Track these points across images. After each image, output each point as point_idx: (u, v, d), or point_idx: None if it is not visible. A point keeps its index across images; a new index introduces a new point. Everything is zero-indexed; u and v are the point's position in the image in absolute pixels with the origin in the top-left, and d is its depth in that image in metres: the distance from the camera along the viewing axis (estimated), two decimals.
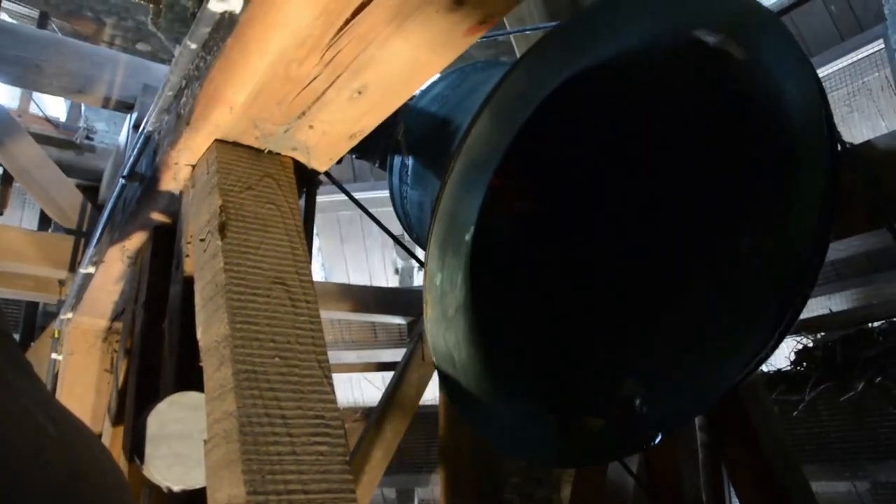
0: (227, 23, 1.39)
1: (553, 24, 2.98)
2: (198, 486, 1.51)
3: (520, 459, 2.33)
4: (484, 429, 2.00)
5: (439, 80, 2.50)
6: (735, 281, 1.96)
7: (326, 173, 1.88)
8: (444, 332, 1.88)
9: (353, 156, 2.53)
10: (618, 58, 1.68)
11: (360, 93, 1.52)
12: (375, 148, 2.54)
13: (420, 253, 2.30)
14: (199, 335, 1.48)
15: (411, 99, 2.43)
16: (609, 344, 2.18)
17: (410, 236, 2.71)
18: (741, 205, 1.95)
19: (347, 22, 1.31)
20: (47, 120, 5.51)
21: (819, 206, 1.76)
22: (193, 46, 1.51)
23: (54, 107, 6.16)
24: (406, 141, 2.48)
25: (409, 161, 2.44)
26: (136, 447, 1.57)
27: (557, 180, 2.41)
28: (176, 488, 1.53)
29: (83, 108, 6.02)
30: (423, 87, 2.47)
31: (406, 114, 2.47)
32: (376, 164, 2.65)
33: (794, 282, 1.86)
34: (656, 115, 2.05)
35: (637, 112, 2.10)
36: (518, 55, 5.04)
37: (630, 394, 1.94)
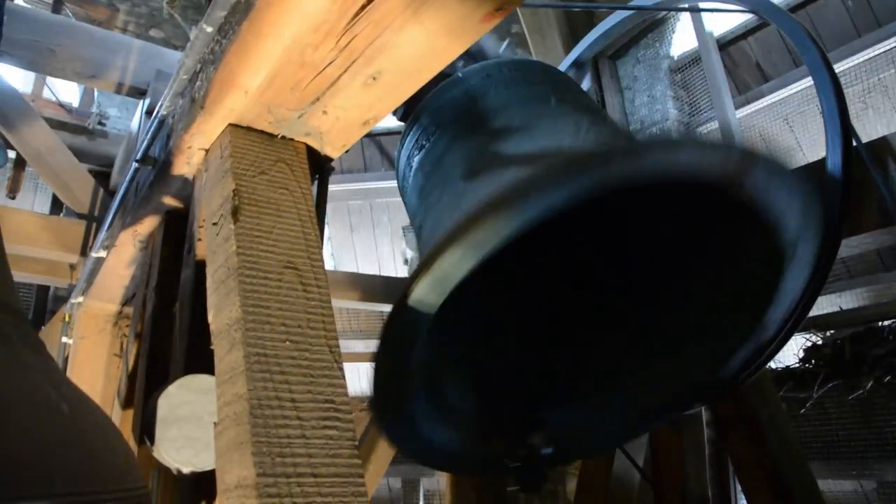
0: (243, 6, 1.39)
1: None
2: (207, 469, 1.52)
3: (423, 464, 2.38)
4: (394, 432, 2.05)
5: (465, 77, 2.47)
6: (737, 288, 2.01)
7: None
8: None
9: None
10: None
11: (374, 79, 1.51)
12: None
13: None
14: (210, 318, 1.48)
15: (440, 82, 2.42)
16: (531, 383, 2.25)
17: (410, 221, 2.71)
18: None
19: (363, 7, 1.31)
20: (60, 105, 5.52)
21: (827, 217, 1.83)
22: (209, 30, 1.51)
23: (67, 92, 6.18)
24: (420, 130, 2.47)
25: (418, 152, 2.43)
26: (146, 429, 1.58)
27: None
28: (185, 470, 1.53)
29: (96, 93, 6.03)
30: (449, 80, 2.45)
31: (426, 101, 2.45)
32: (397, 115, 2.63)
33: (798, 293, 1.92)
34: (648, 236, 2.10)
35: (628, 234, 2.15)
36: (531, 47, 5.02)
37: (536, 443, 2.04)
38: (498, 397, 2.20)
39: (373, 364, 1.70)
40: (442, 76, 2.32)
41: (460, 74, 2.46)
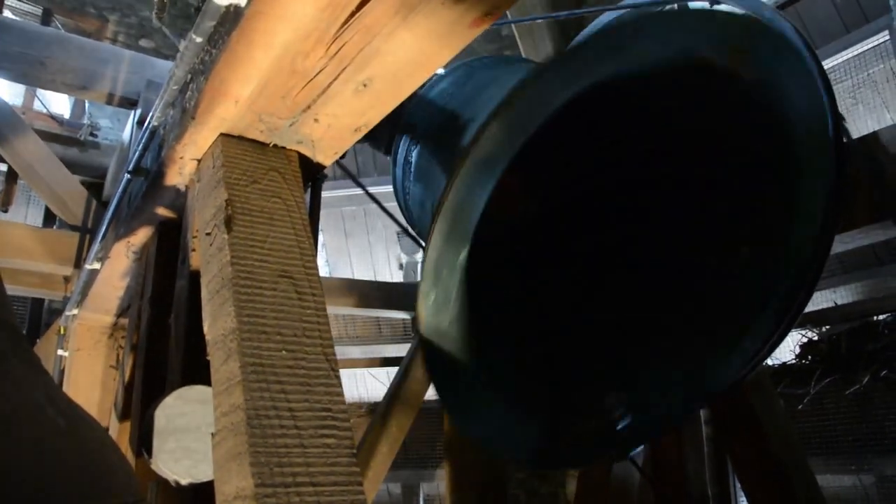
0: (232, 16, 1.39)
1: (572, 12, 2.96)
2: (205, 480, 1.52)
3: (506, 459, 2.37)
4: (472, 428, 2.03)
5: (446, 74, 2.50)
6: (732, 287, 1.98)
7: (340, 164, 1.89)
8: (439, 342, 1.91)
9: (361, 142, 2.55)
10: (624, 77, 1.66)
11: (365, 85, 1.51)
12: (382, 135, 2.54)
13: None
14: (205, 329, 1.48)
15: (419, 90, 2.43)
16: (599, 353, 2.22)
17: (413, 230, 2.72)
18: (744, 215, 1.96)
19: (353, 14, 1.31)
20: (51, 117, 5.51)
21: (822, 211, 1.77)
22: (199, 40, 1.51)
23: (58, 104, 6.16)
24: (411, 134, 2.48)
25: (413, 156, 2.43)
26: (143, 441, 1.57)
27: (560, 186, 2.42)
28: (184, 481, 1.53)
29: (87, 104, 6.02)
30: (430, 80, 2.46)
31: (412, 106, 2.46)
32: (382, 151, 2.64)
33: (792, 290, 1.89)
34: (660, 128, 2.06)
35: (641, 126, 2.11)
36: (522, 50, 5.03)
37: (612, 406, 2.00)
38: (563, 371, 2.18)
39: (422, 342, 1.69)
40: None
41: (441, 71, 2.49)
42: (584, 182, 2.39)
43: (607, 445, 2.06)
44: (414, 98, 2.46)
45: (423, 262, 1.78)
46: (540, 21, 4.76)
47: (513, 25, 5.36)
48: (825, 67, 2.79)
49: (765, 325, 2.05)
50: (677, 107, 1.87)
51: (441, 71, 2.51)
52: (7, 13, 6.22)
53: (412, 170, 2.45)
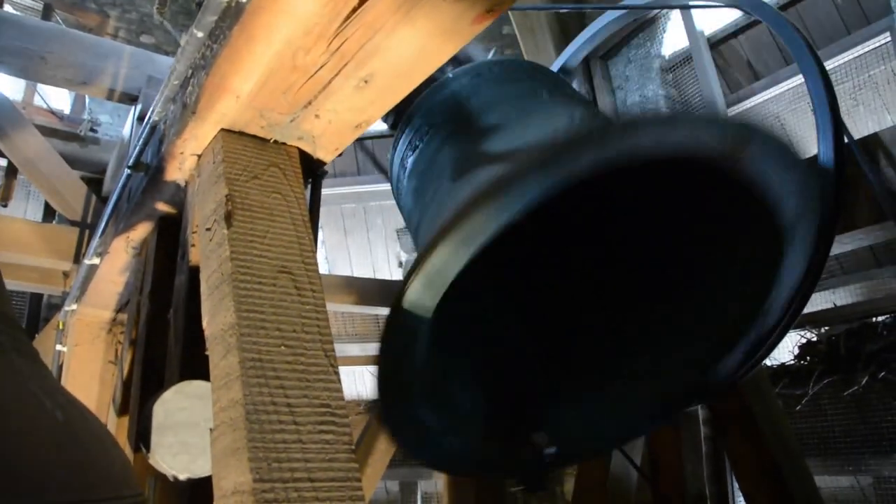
0: (233, 11, 1.39)
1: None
2: (203, 475, 1.52)
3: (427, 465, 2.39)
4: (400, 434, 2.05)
5: (454, 78, 2.47)
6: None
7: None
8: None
9: None
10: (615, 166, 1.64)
11: (366, 82, 1.51)
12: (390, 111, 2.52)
13: None
14: (204, 324, 1.48)
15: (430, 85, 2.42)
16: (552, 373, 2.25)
17: (406, 223, 2.71)
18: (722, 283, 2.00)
19: (355, 10, 1.31)
20: (51, 112, 5.51)
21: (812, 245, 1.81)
22: (200, 35, 1.51)
23: (58, 99, 6.16)
24: (411, 136, 2.47)
25: (409, 162, 2.42)
26: (142, 436, 1.57)
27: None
28: (182, 476, 1.53)
29: (87, 100, 6.02)
30: (438, 81, 2.44)
31: (415, 105, 2.45)
32: (388, 122, 2.62)
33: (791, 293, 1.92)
34: (649, 214, 2.08)
35: (630, 212, 2.13)
36: (523, 48, 5.02)
37: (539, 443, 2.05)
38: (501, 397, 2.20)
39: (375, 368, 1.69)
40: (430, 80, 2.33)
41: (450, 75, 2.46)
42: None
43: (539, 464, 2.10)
44: (419, 96, 2.45)
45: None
46: (541, 20, 4.75)
47: (514, 26, 5.36)
48: (826, 68, 2.80)
49: (770, 314, 2.05)
50: (668, 190, 1.88)
51: (450, 74, 2.49)
52: (7, 8, 6.21)
53: (410, 164, 2.44)
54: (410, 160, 2.40)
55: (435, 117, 2.37)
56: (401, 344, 1.66)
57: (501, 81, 2.41)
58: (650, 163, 1.46)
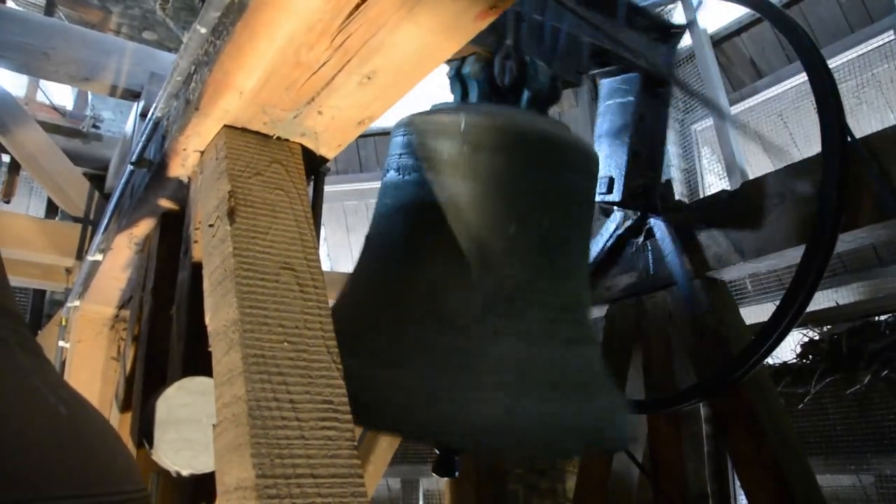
0: (236, 7, 1.39)
1: None
2: (206, 471, 1.52)
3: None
4: None
5: (475, 113, 2.35)
6: None
7: None
8: None
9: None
10: None
11: (369, 78, 1.51)
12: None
13: None
14: (207, 320, 1.48)
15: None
16: None
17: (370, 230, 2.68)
18: None
19: (358, 6, 1.31)
20: (54, 108, 5.51)
21: None
22: (203, 31, 1.51)
23: (61, 95, 6.16)
24: (410, 149, 2.38)
25: (396, 173, 2.36)
26: (144, 432, 1.58)
27: None
28: (185, 473, 1.53)
29: (90, 96, 6.02)
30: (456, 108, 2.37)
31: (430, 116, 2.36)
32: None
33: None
34: None
35: None
36: None
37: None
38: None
39: None
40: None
41: (462, 126, 2.22)
42: None
43: None
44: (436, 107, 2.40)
45: None
46: None
47: None
48: (830, 66, 2.79)
49: None
50: None
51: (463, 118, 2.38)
52: (10, 3, 6.22)
53: (385, 189, 2.40)
54: (391, 177, 2.32)
55: (427, 156, 2.23)
56: None
57: (506, 170, 2.20)
58: None
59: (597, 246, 3.61)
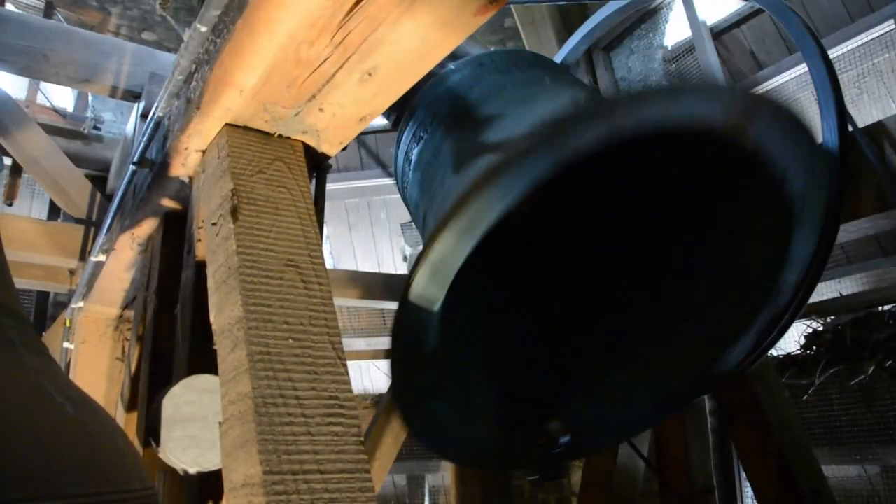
0: (236, 5, 1.39)
1: None
2: (213, 468, 1.52)
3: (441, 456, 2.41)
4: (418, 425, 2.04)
5: (455, 70, 2.47)
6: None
7: None
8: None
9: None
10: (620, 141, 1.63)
11: (370, 74, 1.51)
12: (392, 107, 2.52)
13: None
14: (212, 318, 1.48)
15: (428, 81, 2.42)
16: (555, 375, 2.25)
17: (412, 217, 2.71)
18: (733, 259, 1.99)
19: (357, 3, 1.31)
20: (55, 110, 5.52)
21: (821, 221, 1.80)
22: (203, 29, 1.51)
23: (61, 97, 6.17)
24: (414, 129, 2.46)
25: (416, 145, 2.42)
26: (151, 430, 1.58)
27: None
28: (191, 470, 1.54)
29: (90, 97, 6.02)
30: (440, 74, 2.44)
31: (418, 98, 2.44)
32: (390, 120, 2.61)
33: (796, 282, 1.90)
34: (658, 184, 2.06)
35: (638, 183, 2.11)
36: (525, 40, 5.01)
37: (553, 431, 2.04)
38: (514, 387, 2.20)
39: (388, 361, 1.68)
40: (430, 75, 2.33)
41: (452, 66, 2.45)
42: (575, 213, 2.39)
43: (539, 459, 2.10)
44: (421, 89, 2.45)
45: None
46: (543, 12, 4.74)
47: (516, 18, 5.35)
48: (830, 57, 2.79)
49: (781, 295, 2.05)
50: (674, 166, 1.87)
51: (452, 66, 2.49)
52: (9, 6, 6.22)
53: (414, 157, 2.44)
54: (415, 152, 2.40)
55: (439, 108, 2.37)
56: (411, 336, 1.65)
57: (503, 70, 2.40)
58: (657, 136, 1.43)
59: None
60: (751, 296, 2.00)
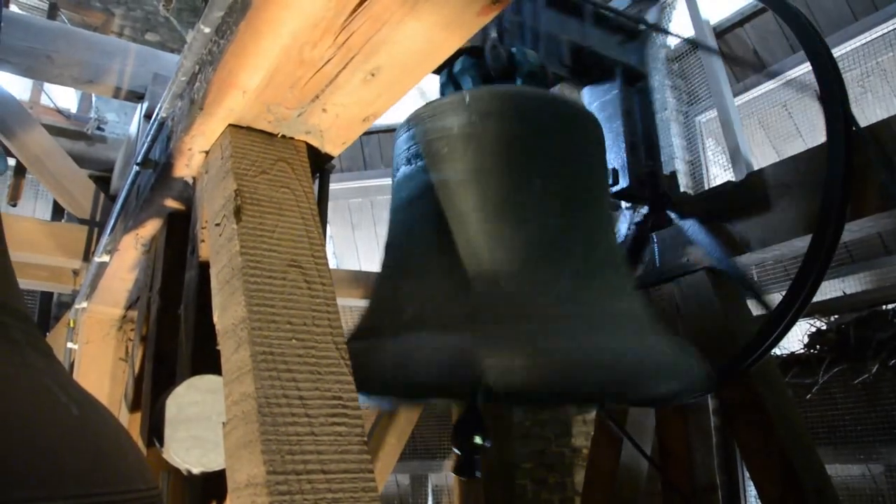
0: (240, 6, 1.39)
1: None
2: (216, 468, 1.53)
3: None
4: None
5: (478, 96, 2.40)
6: None
7: None
8: None
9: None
10: None
11: (373, 75, 1.51)
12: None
13: None
14: (215, 318, 1.49)
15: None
16: None
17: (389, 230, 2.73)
18: None
19: (361, 3, 1.31)
20: (58, 111, 5.52)
21: None
22: (206, 30, 1.51)
23: (65, 98, 6.18)
24: (415, 140, 2.42)
25: (406, 165, 2.39)
26: (154, 431, 1.59)
27: None
28: (195, 470, 1.54)
29: (94, 98, 6.03)
30: (460, 93, 2.42)
31: (439, 107, 2.40)
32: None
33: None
34: None
35: None
36: None
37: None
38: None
39: None
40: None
41: (467, 99, 2.31)
42: None
43: None
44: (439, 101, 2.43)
45: None
46: None
47: None
48: (834, 55, 2.78)
49: None
50: None
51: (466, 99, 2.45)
52: (13, 7, 6.23)
53: (397, 183, 2.45)
54: (403, 170, 2.37)
55: (438, 137, 2.28)
56: None
57: (518, 130, 2.27)
58: None
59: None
60: None
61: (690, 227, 3.17)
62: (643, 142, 3.30)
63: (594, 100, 3.35)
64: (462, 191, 2.17)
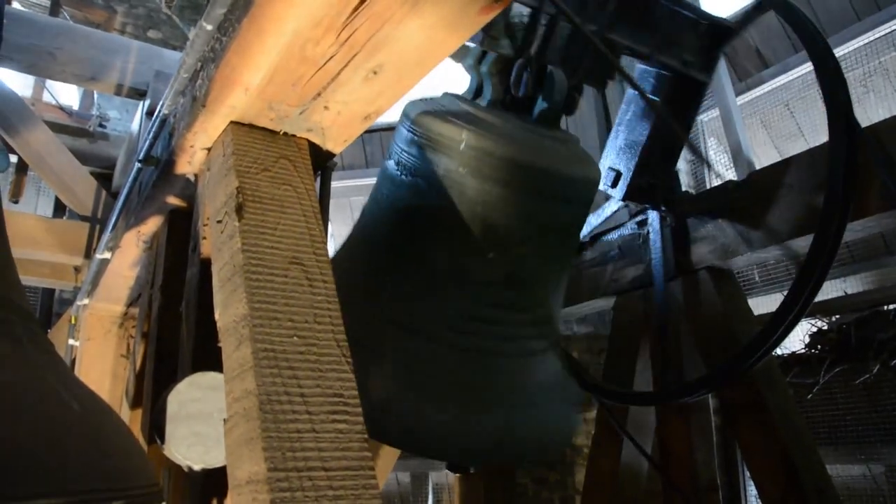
0: (242, 3, 1.40)
1: None
2: (217, 465, 1.53)
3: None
4: None
5: (480, 120, 2.36)
6: None
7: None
8: None
9: None
10: None
11: (375, 73, 1.51)
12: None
13: None
14: (217, 316, 1.49)
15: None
16: None
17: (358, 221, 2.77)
18: None
19: (363, 1, 1.31)
20: (60, 108, 5.52)
21: None
22: (209, 28, 1.51)
23: (67, 95, 6.18)
24: (408, 152, 2.40)
25: (391, 179, 2.40)
26: (156, 427, 1.59)
27: None
28: (196, 467, 1.54)
29: (96, 95, 6.03)
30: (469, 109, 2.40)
31: (437, 111, 2.38)
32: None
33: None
34: None
35: None
36: None
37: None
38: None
39: None
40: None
41: (462, 146, 2.25)
42: None
43: None
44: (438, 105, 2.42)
45: None
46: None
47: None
48: (836, 56, 2.78)
49: None
50: None
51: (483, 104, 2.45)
52: (16, 4, 6.23)
53: (379, 187, 2.51)
54: (392, 170, 2.37)
55: (428, 162, 2.26)
56: None
57: (497, 197, 2.25)
58: None
59: (598, 219, 3.62)
60: None
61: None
62: (665, 149, 3.25)
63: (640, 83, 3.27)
64: (422, 232, 2.28)
